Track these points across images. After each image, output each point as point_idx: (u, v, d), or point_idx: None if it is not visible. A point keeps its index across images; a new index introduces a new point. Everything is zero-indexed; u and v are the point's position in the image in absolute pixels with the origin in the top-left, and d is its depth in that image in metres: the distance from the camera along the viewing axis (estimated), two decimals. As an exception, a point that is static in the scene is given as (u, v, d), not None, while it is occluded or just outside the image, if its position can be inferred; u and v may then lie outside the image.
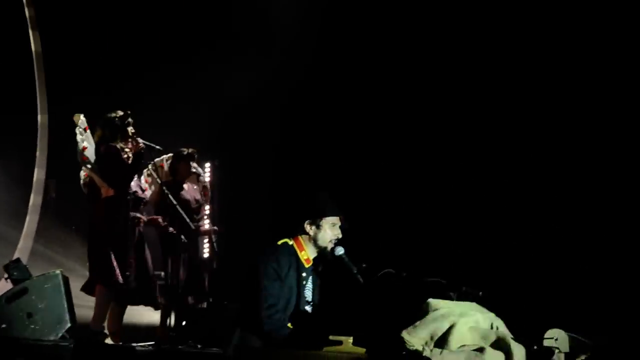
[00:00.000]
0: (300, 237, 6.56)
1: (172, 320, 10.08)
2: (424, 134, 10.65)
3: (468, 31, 10.35)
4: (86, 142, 9.08)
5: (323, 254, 6.55)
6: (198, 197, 10.40)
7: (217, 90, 12.17)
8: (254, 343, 6.18)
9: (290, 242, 6.54)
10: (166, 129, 11.11)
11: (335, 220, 6.54)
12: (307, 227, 6.53)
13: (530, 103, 9.83)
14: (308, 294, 6.53)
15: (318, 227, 6.51)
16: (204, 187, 10.73)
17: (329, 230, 6.50)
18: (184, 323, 10.33)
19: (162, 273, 10.05)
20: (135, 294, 9.33)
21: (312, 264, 6.57)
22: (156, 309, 9.81)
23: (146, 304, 9.67)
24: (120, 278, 9.00)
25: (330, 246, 6.48)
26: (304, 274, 6.49)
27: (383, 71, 11.10)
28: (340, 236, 6.53)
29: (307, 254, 6.53)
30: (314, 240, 6.52)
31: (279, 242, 6.54)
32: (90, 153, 9.08)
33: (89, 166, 9.07)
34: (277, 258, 6.40)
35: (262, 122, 11.93)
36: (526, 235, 9.65)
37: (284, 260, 6.42)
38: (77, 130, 9.08)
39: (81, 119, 9.11)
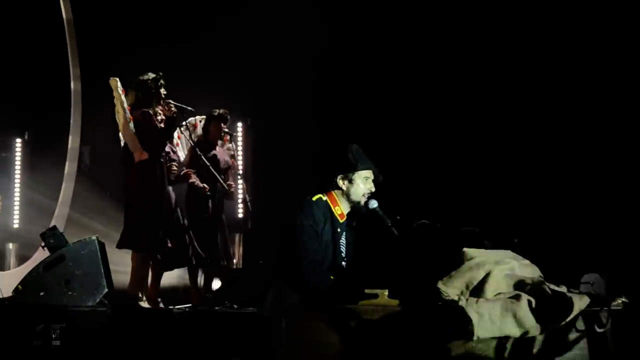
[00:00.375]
0: (333, 192, 6.54)
1: (201, 280, 10.06)
2: (455, 85, 10.64)
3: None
4: (126, 105, 9.10)
5: (357, 209, 6.52)
6: (227, 158, 10.38)
7: (247, 50, 12.14)
8: (292, 300, 6.17)
9: (324, 198, 6.52)
10: (198, 90, 11.12)
11: (367, 173, 6.51)
12: (340, 181, 6.51)
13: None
14: (343, 248, 6.52)
15: (350, 181, 6.49)
16: (232, 155, 10.68)
17: (362, 184, 6.48)
18: (219, 284, 10.34)
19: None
20: (172, 259, 9.37)
21: (346, 219, 6.54)
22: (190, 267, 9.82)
23: (183, 266, 9.70)
24: (155, 243, 9.05)
25: (363, 200, 6.45)
26: (338, 229, 6.48)
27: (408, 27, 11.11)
28: (373, 190, 6.49)
29: (340, 209, 6.50)
30: (347, 194, 6.50)
31: (313, 198, 6.51)
32: (128, 117, 9.11)
33: (132, 129, 9.08)
34: (313, 214, 6.39)
35: (295, 80, 11.89)
36: (560, 183, 9.63)
37: (319, 215, 6.41)
38: (116, 95, 9.09)
39: (118, 84, 9.12)
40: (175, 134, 9.81)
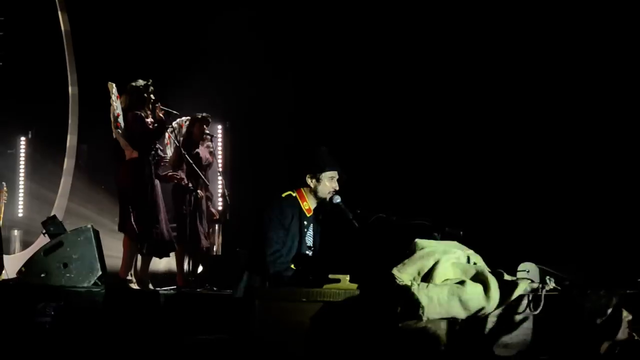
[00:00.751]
0: (302, 189, 6.55)
1: (190, 266, 10.05)
2: (410, 89, 10.66)
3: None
4: (119, 110, 9.08)
5: (323, 204, 6.55)
6: (208, 156, 10.37)
7: (227, 57, 12.13)
8: (260, 284, 6.21)
9: (294, 194, 6.53)
10: (183, 95, 11.12)
11: (333, 174, 6.52)
12: (308, 180, 6.51)
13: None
14: (309, 240, 6.54)
15: (318, 180, 6.49)
16: (211, 152, 10.68)
17: (328, 183, 6.49)
18: (200, 269, 10.34)
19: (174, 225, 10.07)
20: (160, 247, 9.36)
21: (313, 213, 6.56)
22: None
23: (168, 254, 9.68)
24: (144, 232, 9.05)
25: (329, 197, 6.48)
26: (305, 222, 6.50)
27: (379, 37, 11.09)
28: (337, 188, 6.52)
29: (308, 204, 6.52)
30: (314, 192, 6.51)
31: (283, 195, 6.52)
32: (121, 119, 9.10)
33: (119, 131, 9.07)
34: (282, 208, 6.41)
35: (270, 85, 11.87)
36: (501, 175, 9.66)
37: (288, 210, 6.42)
38: (113, 97, 9.08)
39: (114, 88, 9.10)
40: (166, 134, 9.79)
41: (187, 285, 9.73)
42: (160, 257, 9.67)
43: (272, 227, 6.32)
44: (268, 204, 6.49)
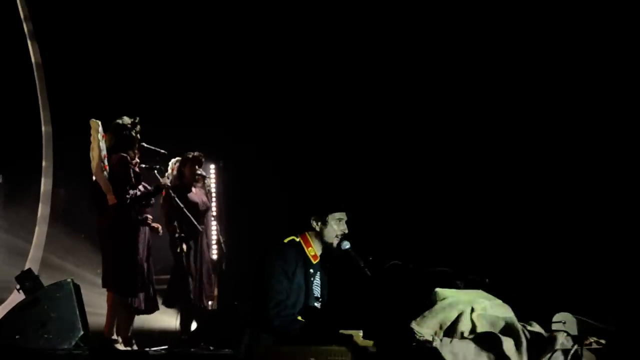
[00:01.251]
0: (307, 234, 6.53)
1: (182, 323, 10.04)
2: (425, 126, 10.67)
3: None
4: (105, 150, 9.07)
5: (330, 250, 6.53)
6: (205, 199, 10.39)
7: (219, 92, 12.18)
8: (265, 341, 6.16)
9: (297, 239, 6.51)
10: (171, 133, 11.13)
11: (341, 215, 6.51)
12: (314, 223, 6.50)
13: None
14: (316, 290, 6.51)
15: (324, 222, 6.48)
16: (209, 191, 10.73)
17: (335, 226, 6.48)
18: (194, 326, 10.32)
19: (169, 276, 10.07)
20: (149, 301, 9.34)
21: (320, 260, 6.55)
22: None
23: (154, 311, 9.65)
24: (132, 286, 9.03)
25: (336, 241, 6.46)
26: (311, 270, 6.47)
27: (383, 65, 11.12)
28: (346, 231, 6.50)
29: (314, 250, 6.50)
30: (320, 236, 6.49)
31: (286, 240, 6.51)
32: (107, 160, 9.08)
33: (105, 174, 9.05)
34: (284, 255, 6.37)
35: (265, 122, 11.91)
36: (532, 219, 9.64)
37: (291, 257, 6.39)
38: (99, 137, 9.06)
39: (100, 127, 9.09)
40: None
41: (180, 344, 9.70)
42: (150, 313, 9.64)
43: (274, 277, 6.28)
44: (269, 251, 6.47)
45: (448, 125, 10.58)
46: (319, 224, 6.49)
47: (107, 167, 9.07)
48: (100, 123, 9.10)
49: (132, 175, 9.15)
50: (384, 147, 10.97)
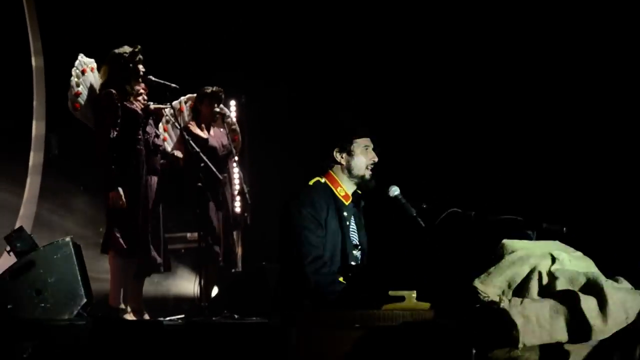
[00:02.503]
0: (331, 172, 6.54)
1: (202, 288, 10.08)
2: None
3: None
4: (81, 87, 9.09)
5: (363, 184, 6.51)
6: (226, 142, 10.35)
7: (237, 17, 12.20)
8: (301, 306, 6.17)
9: (323, 180, 6.52)
10: (181, 64, 11.15)
11: (366, 141, 6.51)
12: (337, 155, 6.50)
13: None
14: (354, 236, 6.52)
15: (349, 153, 6.47)
16: (233, 130, 10.70)
17: (362, 155, 6.46)
18: (216, 291, 10.37)
19: (189, 234, 10.10)
20: (152, 262, 9.38)
21: (352, 200, 6.52)
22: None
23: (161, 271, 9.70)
24: (133, 247, 9.08)
25: (367, 173, 6.45)
26: (345, 214, 6.47)
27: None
28: (376, 160, 6.48)
29: (343, 189, 6.50)
30: (348, 169, 6.49)
31: (310, 182, 6.50)
32: (84, 98, 9.11)
33: (78, 115, 9.09)
34: (312, 201, 6.36)
35: (294, 47, 11.92)
36: (620, 157, 9.62)
37: (320, 202, 6.38)
38: (74, 72, 9.10)
39: (80, 60, 9.13)
40: (161, 126, 9.80)
41: (199, 312, 9.75)
42: (149, 275, 9.67)
43: (306, 228, 6.27)
44: (293, 199, 6.43)
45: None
46: (344, 155, 6.47)
47: (80, 105, 9.10)
48: (82, 55, 9.14)
49: (118, 113, 9.08)
50: (432, 71, 10.97)
